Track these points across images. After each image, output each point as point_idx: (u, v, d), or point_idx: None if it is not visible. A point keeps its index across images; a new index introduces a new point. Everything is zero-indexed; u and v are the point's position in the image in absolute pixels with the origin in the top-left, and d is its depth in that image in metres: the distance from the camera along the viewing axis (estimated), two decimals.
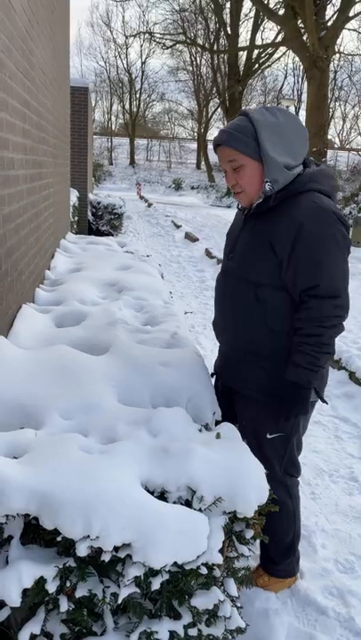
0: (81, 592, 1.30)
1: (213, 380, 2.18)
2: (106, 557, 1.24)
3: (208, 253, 9.48)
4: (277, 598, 2.08)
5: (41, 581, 1.25)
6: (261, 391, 1.85)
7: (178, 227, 13.63)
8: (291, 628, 1.97)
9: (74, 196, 8.68)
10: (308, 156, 1.87)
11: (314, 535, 2.45)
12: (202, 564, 1.31)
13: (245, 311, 1.83)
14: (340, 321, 1.73)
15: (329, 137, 22.64)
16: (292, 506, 2.01)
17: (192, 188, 30.83)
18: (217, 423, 1.80)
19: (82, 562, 1.28)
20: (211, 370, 2.09)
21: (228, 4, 23.80)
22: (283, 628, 1.95)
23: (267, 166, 1.72)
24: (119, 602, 1.28)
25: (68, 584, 1.29)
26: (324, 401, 1.90)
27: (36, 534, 1.36)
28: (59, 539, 1.25)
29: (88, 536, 1.22)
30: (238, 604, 1.43)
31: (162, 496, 1.37)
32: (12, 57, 2.23)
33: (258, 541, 1.66)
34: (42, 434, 1.54)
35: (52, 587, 1.25)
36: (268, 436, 1.88)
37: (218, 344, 2.09)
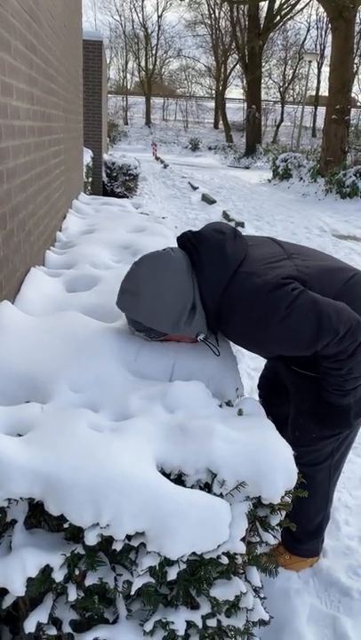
0: (91, 580, 1.19)
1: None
2: (117, 546, 1.13)
3: (226, 216, 9.20)
4: (299, 578, 1.99)
5: (47, 570, 1.15)
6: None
7: (195, 188, 13.28)
8: (313, 609, 1.88)
9: (88, 156, 8.42)
10: (183, 239, 1.66)
11: (337, 511, 2.34)
12: (223, 553, 1.20)
13: (288, 362, 1.81)
14: (355, 344, 1.52)
15: (352, 94, 21.67)
16: (328, 488, 1.90)
17: (209, 148, 30.06)
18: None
19: (91, 549, 1.17)
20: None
21: None
22: (304, 610, 1.86)
23: (183, 335, 1.61)
24: (132, 592, 1.18)
25: (76, 572, 1.19)
26: None
27: (41, 516, 1.26)
28: (65, 525, 1.14)
29: (98, 524, 1.10)
30: (262, 595, 1.32)
31: (179, 479, 1.25)
32: None
33: None
34: (49, 408, 1.42)
35: (58, 575, 1.15)
36: None
37: None
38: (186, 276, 1.56)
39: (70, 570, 1.18)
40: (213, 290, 1.56)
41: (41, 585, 1.15)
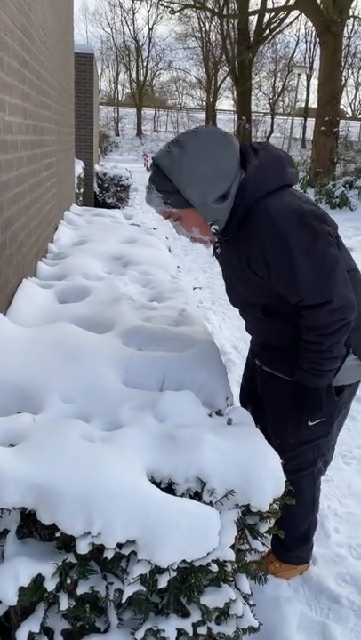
0: (83, 589, 1.21)
1: (227, 360, 2.08)
2: (109, 555, 1.15)
3: None
4: (289, 585, 2.01)
5: (39, 579, 1.16)
6: None
7: None
8: (303, 616, 1.89)
9: (79, 167, 8.47)
10: (243, 143, 1.62)
11: (327, 519, 2.36)
12: (212, 560, 1.22)
13: (263, 324, 1.76)
14: (343, 322, 1.53)
15: (341, 106, 21.96)
16: (313, 494, 1.94)
17: None
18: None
19: (83, 558, 1.19)
20: (220, 348, 1.98)
21: None
22: (295, 617, 1.88)
23: (202, 213, 1.56)
24: (123, 600, 1.20)
25: (68, 580, 1.20)
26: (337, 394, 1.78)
27: (34, 526, 1.27)
28: (57, 534, 1.16)
29: (89, 532, 1.12)
30: (251, 602, 1.34)
31: (169, 488, 1.27)
32: (8, 10, 2.06)
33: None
34: (41, 419, 1.44)
35: (50, 584, 1.16)
36: (310, 423, 1.76)
37: (226, 320, 1.99)
38: (234, 164, 1.53)
39: (62, 579, 1.19)
40: (258, 187, 1.52)
41: (33, 594, 1.17)
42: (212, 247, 1.76)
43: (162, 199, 1.57)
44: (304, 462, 1.85)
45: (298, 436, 1.79)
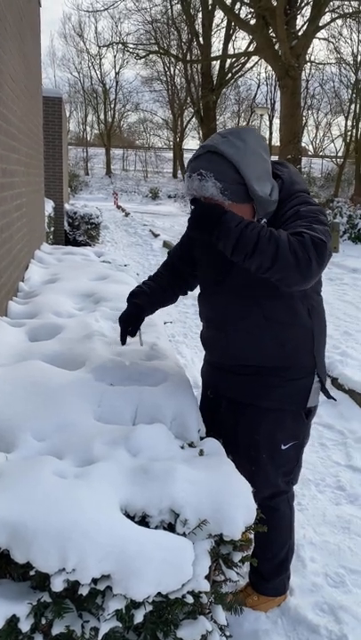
0: (58, 629, 1.20)
1: (200, 393, 2.09)
2: (84, 591, 1.15)
3: None
4: (267, 618, 2.00)
5: (13, 620, 1.15)
6: (284, 400, 1.77)
7: (156, 235, 13.59)
8: None
9: (49, 206, 8.56)
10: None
11: (302, 548, 2.38)
12: (188, 592, 1.23)
13: (255, 334, 1.71)
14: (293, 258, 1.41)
15: (303, 144, 22.91)
16: (290, 518, 1.96)
17: (169, 196, 30.87)
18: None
19: (58, 596, 1.18)
20: (192, 381, 2.02)
21: (199, 15, 24.01)
22: None
23: (262, 206, 1.57)
24: (99, 639, 1.19)
25: (43, 621, 1.19)
26: (331, 397, 1.92)
27: (7, 566, 1.26)
28: (32, 573, 1.16)
29: (64, 569, 1.12)
30: (228, 633, 1.35)
31: (143, 521, 1.28)
32: None
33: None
34: (13, 457, 1.45)
35: (25, 626, 1.15)
36: (283, 447, 1.81)
37: (199, 353, 2.03)
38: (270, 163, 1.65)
39: (37, 619, 1.18)
40: (293, 185, 1.66)
41: (7, 637, 1.15)
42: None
43: (220, 189, 1.50)
44: (279, 487, 1.88)
45: (272, 462, 1.82)
